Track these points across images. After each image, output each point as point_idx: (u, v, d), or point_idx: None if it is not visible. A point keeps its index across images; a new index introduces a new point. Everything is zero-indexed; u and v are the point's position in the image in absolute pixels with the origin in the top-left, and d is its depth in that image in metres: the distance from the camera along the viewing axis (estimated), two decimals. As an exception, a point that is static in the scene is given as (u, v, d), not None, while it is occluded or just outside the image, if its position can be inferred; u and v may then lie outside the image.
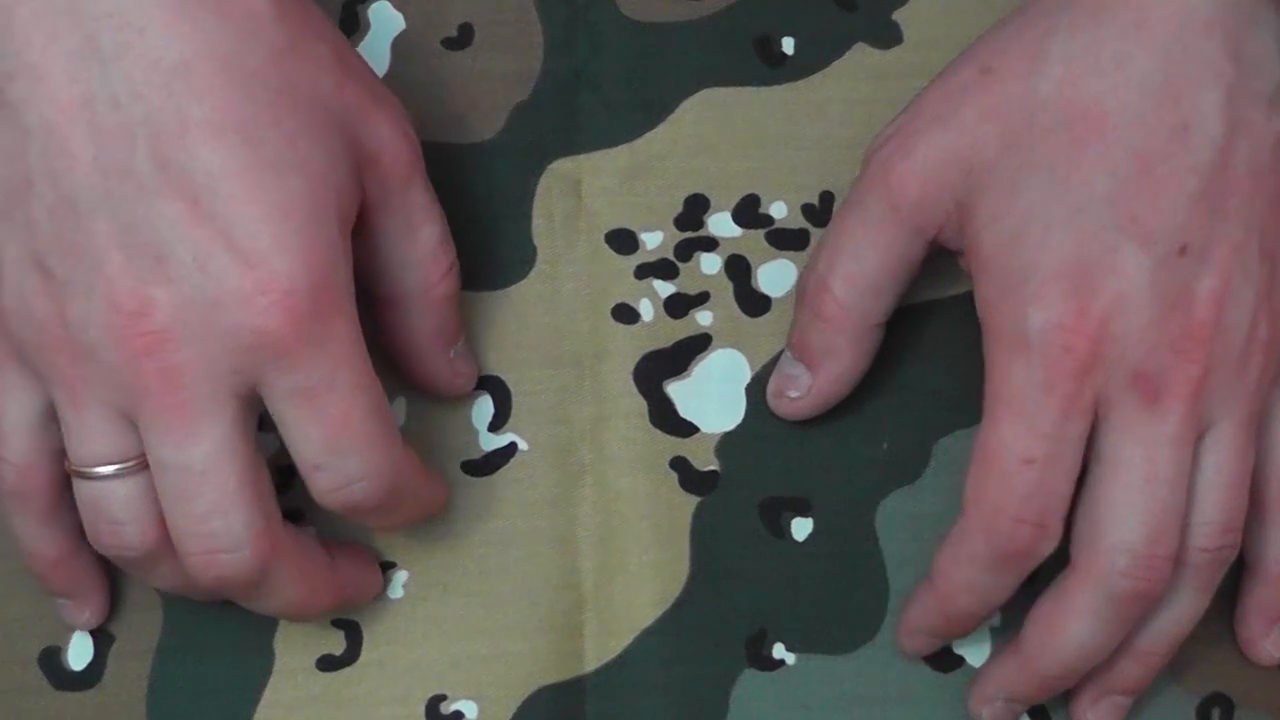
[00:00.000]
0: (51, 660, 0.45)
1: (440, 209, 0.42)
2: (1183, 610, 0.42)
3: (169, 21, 0.37)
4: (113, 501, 0.40)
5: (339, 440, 0.39)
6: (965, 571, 0.41)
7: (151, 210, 0.37)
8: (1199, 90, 0.39)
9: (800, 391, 0.44)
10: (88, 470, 0.40)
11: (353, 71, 0.40)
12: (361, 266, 0.41)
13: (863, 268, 0.42)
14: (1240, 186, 0.39)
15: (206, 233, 0.37)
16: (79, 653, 0.45)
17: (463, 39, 0.47)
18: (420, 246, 0.42)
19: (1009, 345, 0.40)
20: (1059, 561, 0.42)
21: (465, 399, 0.46)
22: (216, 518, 0.39)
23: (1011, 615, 0.45)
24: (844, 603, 0.45)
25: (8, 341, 0.40)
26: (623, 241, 0.46)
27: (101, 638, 0.45)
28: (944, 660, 0.45)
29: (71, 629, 0.45)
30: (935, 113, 0.41)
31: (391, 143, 0.40)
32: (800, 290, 0.44)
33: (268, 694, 0.45)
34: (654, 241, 0.46)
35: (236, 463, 0.39)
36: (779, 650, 0.45)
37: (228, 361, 0.38)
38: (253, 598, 0.41)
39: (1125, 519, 0.40)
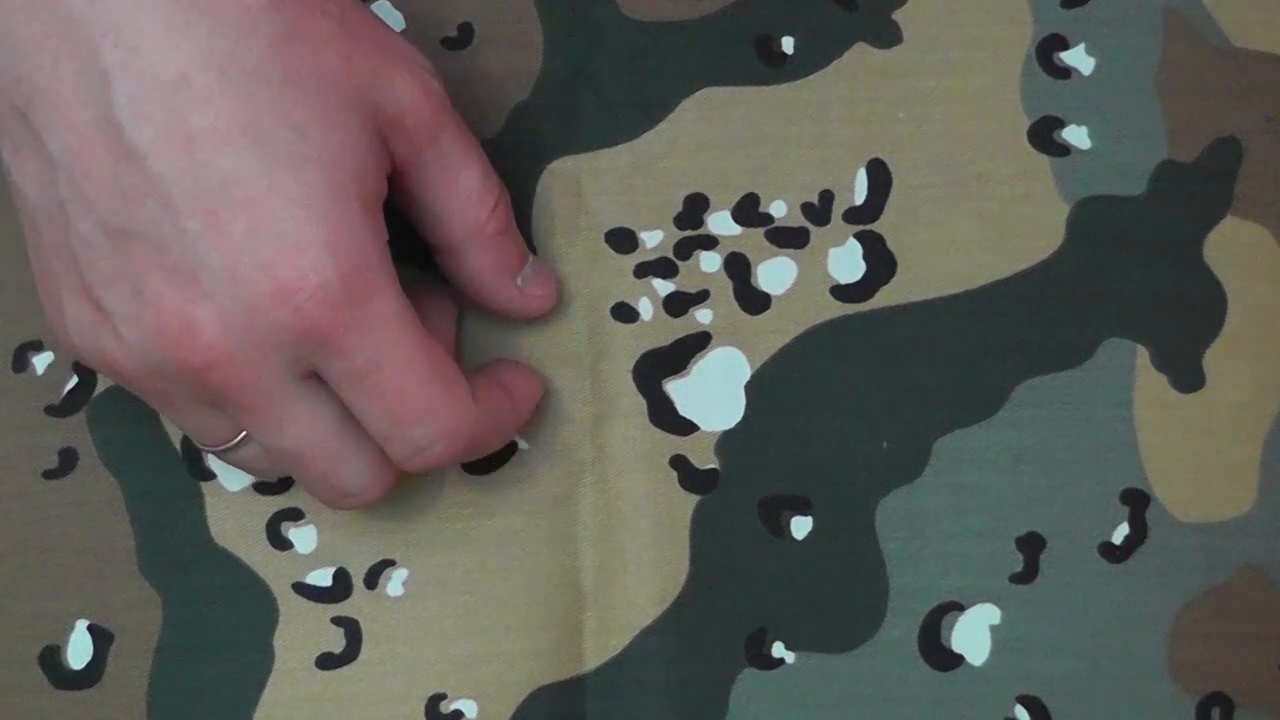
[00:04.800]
0: (51, 659, 0.45)
1: (477, 147, 0.42)
2: None
3: (161, 35, 0.37)
4: (250, 459, 0.42)
5: (399, 415, 0.40)
6: None
7: (177, 228, 0.37)
8: None
9: None
10: (213, 448, 0.42)
11: (360, 39, 0.39)
12: (410, 220, 0.42)
13: None
14: None
15: (231, 242, 0.37)
16: (79, 652, 0.45)
17: (462, 39, 0.47)
18: (461, 191, 0.42)
19: None
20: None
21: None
22: (329, 478, 0.41)
23: (1012, 614, 0.45)
24: (843, 602, 0.45)
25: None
26: (622, 240, 0.46)
27: (101, 637, 0.45)
28: (944, 660, 0.45)
29: (71, 628, 0.45)
30: None
31: (412, 101, 0.40)
32: None
33: (267, 693, 0.45)
34: (653, 240, 0.46)
35: (328, 428, 0.40)
36: (779, 649, 0.45)
37: (280, 357, 0.38)
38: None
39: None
